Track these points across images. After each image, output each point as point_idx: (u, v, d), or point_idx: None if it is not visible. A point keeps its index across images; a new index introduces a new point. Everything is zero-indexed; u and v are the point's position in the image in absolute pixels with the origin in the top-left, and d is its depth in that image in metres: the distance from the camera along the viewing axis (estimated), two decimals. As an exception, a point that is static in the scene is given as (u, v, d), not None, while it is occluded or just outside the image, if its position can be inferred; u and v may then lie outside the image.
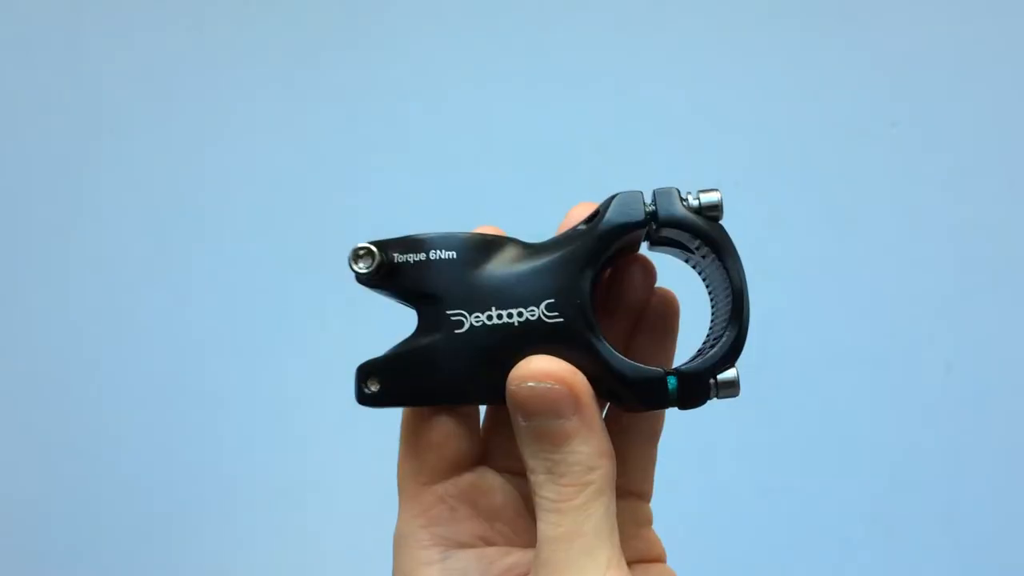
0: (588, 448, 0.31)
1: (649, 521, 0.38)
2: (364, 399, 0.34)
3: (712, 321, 0.36)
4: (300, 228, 0.82)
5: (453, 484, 0.35)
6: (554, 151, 0.82)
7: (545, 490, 0.32)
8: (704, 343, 0.36)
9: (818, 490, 0.76)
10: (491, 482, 0.36)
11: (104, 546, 0.79)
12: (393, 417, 0.36)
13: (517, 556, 0.35)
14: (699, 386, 0.32)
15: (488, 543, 0.35)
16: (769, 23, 0.85)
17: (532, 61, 0.83)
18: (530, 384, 0.31)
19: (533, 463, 0.32)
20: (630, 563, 0.34)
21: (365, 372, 0.34)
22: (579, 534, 0.31)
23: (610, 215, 0.33)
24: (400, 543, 0.35)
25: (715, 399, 0.33)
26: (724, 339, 0.33)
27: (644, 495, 0.37)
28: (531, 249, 0.34)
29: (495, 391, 0.33)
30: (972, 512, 0.76)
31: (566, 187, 0.79)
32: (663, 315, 0.36)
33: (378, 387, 0.34)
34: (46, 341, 0.83)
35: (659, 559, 0.37)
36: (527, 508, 0.35)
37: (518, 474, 0.36)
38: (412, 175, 0.82)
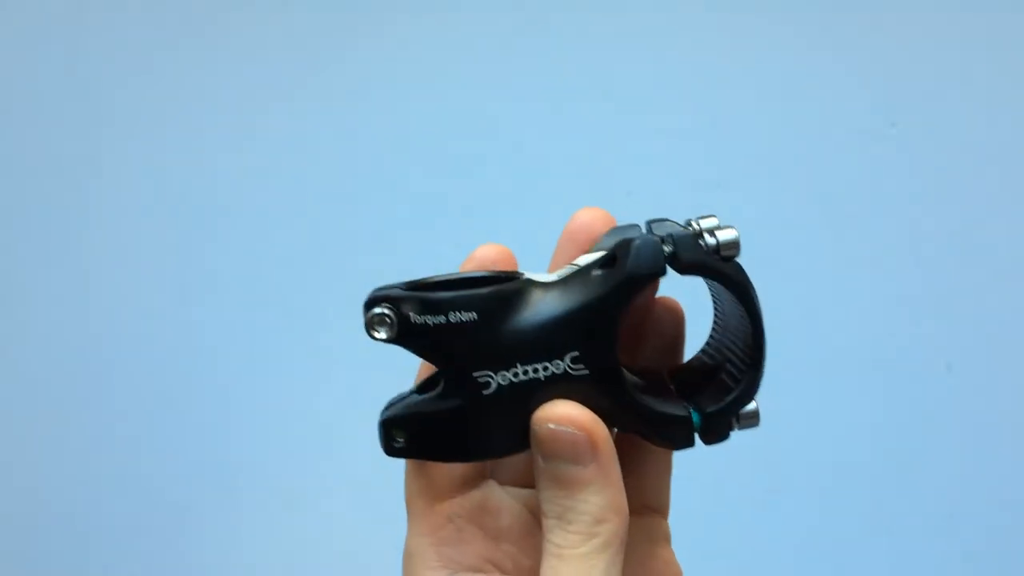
0: (600, 500, 0.31)
1: (666, 538, 0.37)
2: (393, 452, 0.34)
3: (715, 333, 0.37)
4: (301, 228, 0.82)
5: (460, 503, 0.34)
6: (553, 152, 0.82)
7: (553, 535, 0.32)
8: (707, 348, 0.37)
9: (818, 490, 0.76)
10: (498, 500, 0.36)
11: (104, 547, 0.79)
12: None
13: None
14: (723, 424, 0.34)
15: (495, 565, 0.35)
16: (769, 23, 0.85)
17: (525, 63, 0.83)
18: (551, 426, 0.32)
19: (546, 507, 0.32)
20: None
21: (390, 426, 0.34)
22: None
23: (631, 267, 0.32)
24: (408, 562, 0.35)
25: (736, 430, 0.34)
26: (746, 379, 0.34)
27: (660, 509, 0.37)
28: (548, 291, 0.33)
29: (524, 441, 0.33)
30: (972, 512, 0.76)
31: (566, 190, 0.79)
32: (671, 325, 0.36)
33: (404, 441, 0.34)
34: (46, 341, 0.83)
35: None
36: (535, 525, 0.35)
37: (525, 486, 0.36)
38: (422, 175, 0.82)
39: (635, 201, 0.76)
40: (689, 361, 0.37)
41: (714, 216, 0.34)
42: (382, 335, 0.33)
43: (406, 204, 0.81)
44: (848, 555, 0.76)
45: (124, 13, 0.87)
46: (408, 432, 0.34)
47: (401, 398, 0.35)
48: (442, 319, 0.33)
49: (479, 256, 0.35)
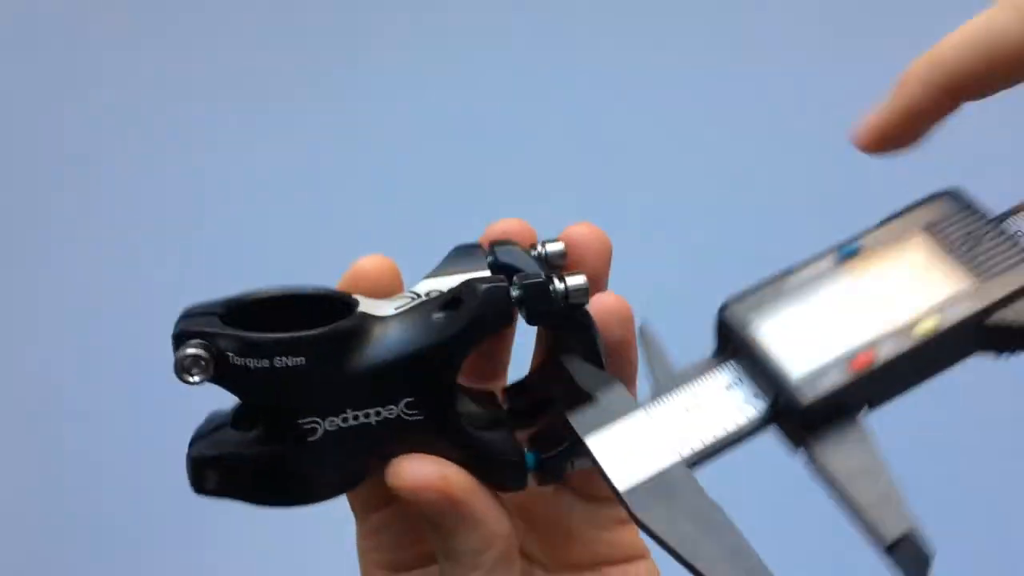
0: (475, 536, 0.31)
1: (618, 520, 0.36)
2: (203, 491, 0.31)
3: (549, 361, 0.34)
4: (294, 229, 0.82)
5: (394, 510, 0.34)
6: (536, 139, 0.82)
7: (441, 564, 0.32)
8: (541, 371, 0.34)
9: (817, 490, 0.76)
10: None
11: (104, 547, 0.79)
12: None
13: None
14: (557, 468, 0.32)
15: (433, 560, 0.34)
16: (769, 26, 0.85)
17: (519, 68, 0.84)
18: (398, 487, 0.30)
19: (431, 538, 0.32)
20: (598, 565, 0.34)
21: (200, 464, 0.31)
22: None
23: (475, 315, 0.30)
24: (359, 560, 0.35)
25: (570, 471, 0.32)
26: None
27: (637, 553, 0.36)
28: (385, 329, 0.30)
29: (353, 482, 0.32)
30: (973, 511, 0.76)
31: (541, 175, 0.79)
32: (616, 328, 0.33)
33: (216, 482, 0.31)
34: (45, 341, 0.83)
35: (638, 556, 0.36)
36: None
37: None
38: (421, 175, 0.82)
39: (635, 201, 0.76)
40: (526, 379, 0.35)
41: (561, 243, 0.32)
42: (195, 379, 0.29)
43: (408, 203, 0.81)
44: (847, 555, 0.76)
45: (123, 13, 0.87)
46: (220, 473, 0.31)
47: (212, 425, 0.32)
48: (266, 363, 0.29)
49: (360, 270, 0.33)
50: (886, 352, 0.28)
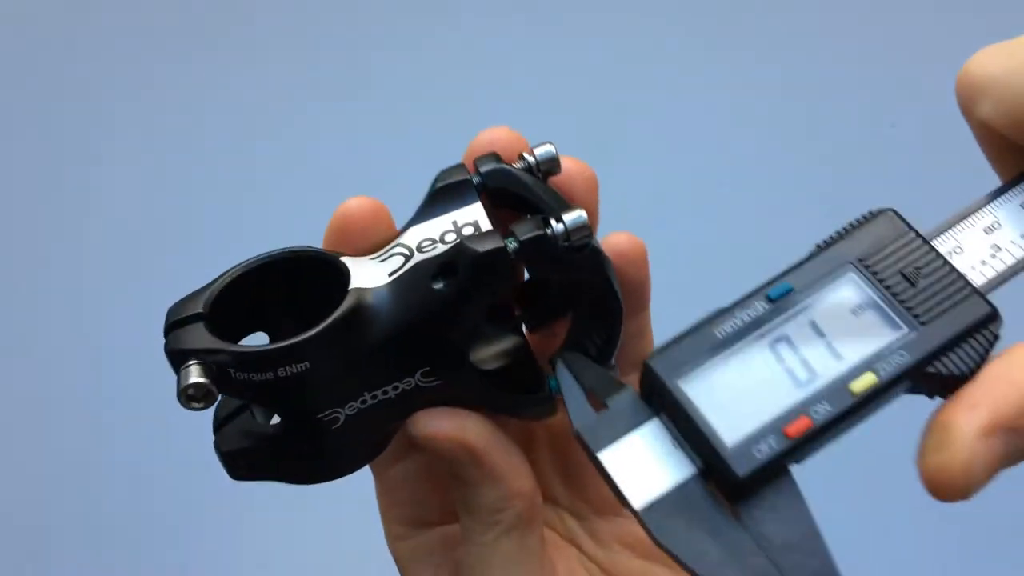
0: (495, 492, 0.30)
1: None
2: (237, 479, 0.31)
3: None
4: (292, 225, 0.82)
5: (410, 464, 0.33)
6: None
7: (462, 519, 0.31)
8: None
9: (816, 489, 0.76)
10: None
11: (104, 548, 0.79)
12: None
13: None
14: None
15: (455, 515, 0.34)
16: (769, 23, 0.85)
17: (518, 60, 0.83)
18: (419, 440, 0.30)
19: (454, 493, 0.31)
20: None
21: (232, 458, 0.30)
22: (487, 566, 0.31)
23: (474, 282, 0.28)
24: (380, 512, 0.35)
25: None
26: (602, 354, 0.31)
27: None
28: (383, 305, 0.29)
29: (382, 445, 0.31)
30: (972, 510, 0.76)
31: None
32: (632, 268, 0.32)
33: (250, 469, 0.30)
34: (46, 341, 0.83)
35: None
36: None
37: None
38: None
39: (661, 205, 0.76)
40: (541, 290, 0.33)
41: (550, 145, 0.31)
42: (200, 407, 0.28)
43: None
44: (846, 555, 0.76)
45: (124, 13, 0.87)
46: (251, 462, 0.30)
47: (233, 407, 0.31)
48: (270, 375, 0.28)
49: (347, 215, 0.31)
50: (823, 415, 0.27)
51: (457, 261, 0.28)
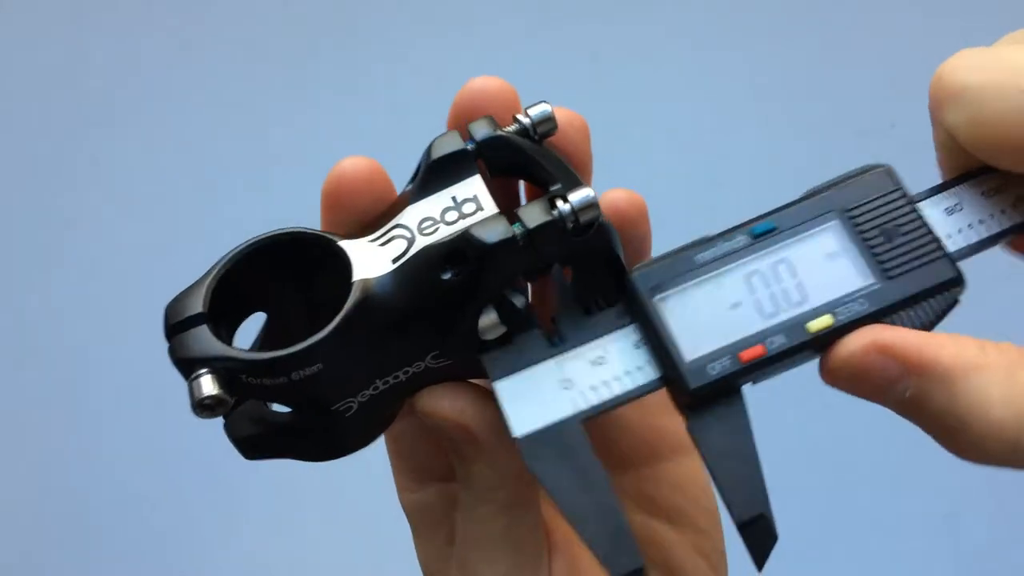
0: (490, 472, 0.31)
1: (665, 407, 0.32)
2: (251, 458, 0.31)
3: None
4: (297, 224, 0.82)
5: (413, 420, 0.33)
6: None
7: (460, 489, 0.32)
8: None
9: (818, 489, 0.76)
10: None
11: (103, 548, 0.79)
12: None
13: None
14: None
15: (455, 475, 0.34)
16: (768, 23, 0.85)
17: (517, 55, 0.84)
18: (424, 417, 0.30)
19: (453, 462, 0.32)
20: (649, 461, 0.34)
21: (243, 442, 0.30)
22: (479, 539, 0.31)
23: (485, 273, 0.28)
24: (390, 462, 0.35)
25: None
26: None
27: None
28: (389, 297, 0.28)
29: (392, 419, 0.31)
30: (972, 510, 0.76)
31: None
32: (631, 223, 0.31)
33: (263, 450, 0.30)
34: (46, 341, 0.83)
35: (690, 448, 0.33)
36: None
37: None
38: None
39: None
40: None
41: (546, 104, 0.30)
42: (213, 415, 0.28)
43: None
44: (846, 554, 0.76)
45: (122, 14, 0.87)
46: (263, 444, 0.30)
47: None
48: (283, 380, 0.28)
49: (342, 176, 0.30)
50: (776, 346, 0.29)
51: (464, 250, 0.28)
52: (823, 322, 0.29)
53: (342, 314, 0.28)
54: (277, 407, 0.31)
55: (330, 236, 0.29)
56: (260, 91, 0.88)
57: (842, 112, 0.82)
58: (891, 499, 0.76)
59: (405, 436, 0.34)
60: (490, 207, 0.29)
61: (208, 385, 0.27)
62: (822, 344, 0.29)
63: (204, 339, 0.28)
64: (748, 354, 0.29)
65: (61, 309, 0.84)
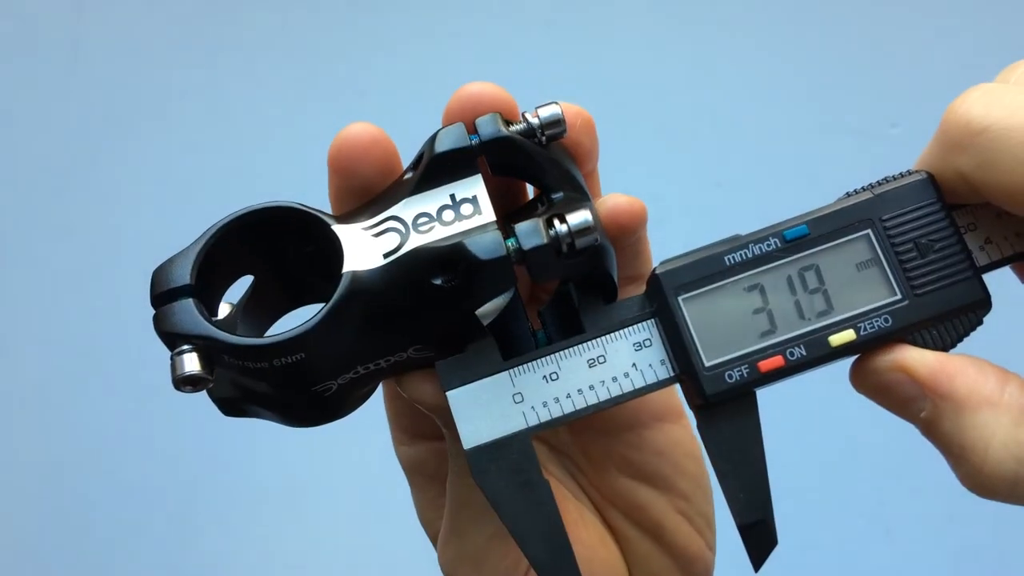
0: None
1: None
2: (231, 416, 0.31)
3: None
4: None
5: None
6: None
7: (450, 458, 0.33)
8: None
9: (818, 489, 0.76)
10: None
11: (104, 547, 0.79)
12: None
13: None
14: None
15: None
16: (768, 23, 0.85)
17: (519, 59, 0.83)
18: (409, 397, 0.31)
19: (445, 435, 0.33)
20: (633, 426, 0.35)
21: (224, 402, 0.31)
22: (463, 504, 0.33)
23: (476, 287, 0.28)
24: (388, 419, 0.37)
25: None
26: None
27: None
28: (380, 289, 0.28)
29: (370, 393, 0.32)
30: (972, 510, 0.76)
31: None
32: (629, 229, 0.31)
33: (243, 411, 0.31)
34: (48, 341, 0.83)
35: (674, 415, 0.36)
36: None
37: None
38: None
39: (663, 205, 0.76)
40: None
41: (555, 105, 0.30)
42: (193, 391, 0.28)
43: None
44: (846, 555, 0.76)
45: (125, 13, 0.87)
46: (244, 406, 0.30)
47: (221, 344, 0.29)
48: (264, 364, 0.28)
49: (350, 141, 0.30)
50: (796, 357, 0.29)
51: (456, 261, 0.28)
52: (845, 337, 0.29)
53: (330, 305, 0.28)
54: None
55: (325, 218, 0.29)
56: (260, 90, 0.88)
57: (842, 112, 0.82)
58: (891, 500, 0.76)
59: (400, 396, 0.34)
60: (488, 213, 0.29)
61: (190, 362, 0.27)
62: (843, 355, 0.29)
63: (189, 314, 0.28)
64: (767, 364, 0.29)
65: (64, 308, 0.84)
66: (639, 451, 0.35)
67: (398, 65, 0.86)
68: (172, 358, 0.28)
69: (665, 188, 0.79)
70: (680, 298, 0.29)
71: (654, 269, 0.30)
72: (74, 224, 0.85)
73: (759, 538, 0.29)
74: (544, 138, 0.30)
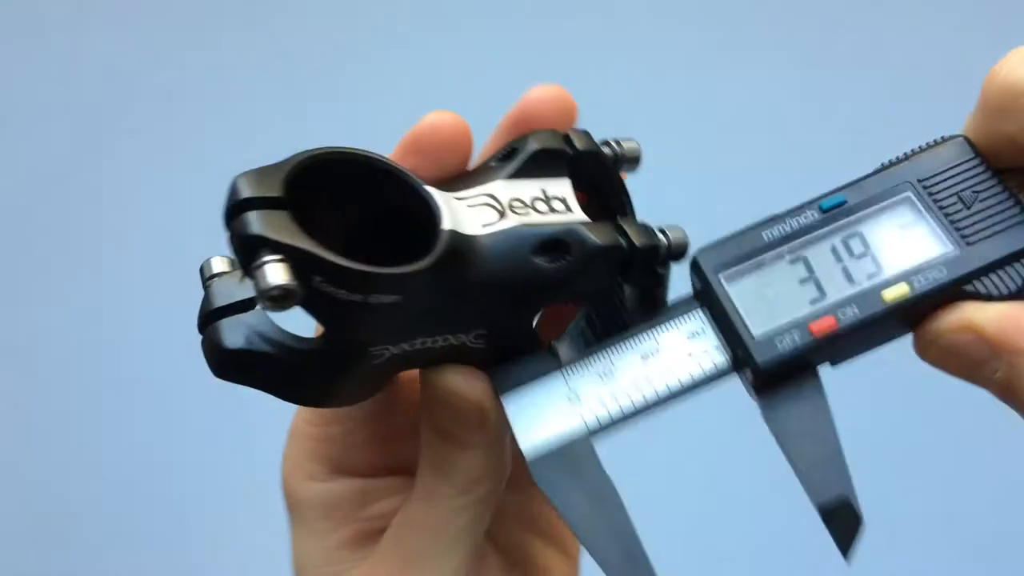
0: (481, 462, 0.30)
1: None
2: (223, 377, 0.27)
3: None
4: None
5: (370, 402, 0.32)
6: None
7: (427, 479, 0.30)
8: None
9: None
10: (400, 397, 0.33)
11: (105, 546, 0.79)
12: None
13: (393, 501, 0.32)
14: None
15: (381, 469, 0.32)
16: (768, 24, 0.85)
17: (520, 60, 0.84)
18: (440, 393, 0.29)
19: (427, 452, 0.30)
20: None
21: (231, 356, 0.27)
22: (438, 530, 0.30)
23: (583, 277, 0.28)
24: (293, 440, 0.33)
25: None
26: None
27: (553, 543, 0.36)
28: (479, 256, 0.27)
29: (382, 386, 0.30)
30: (973, 510, 0.76)
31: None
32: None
33: (242, 373, 0.27)
34: (47, 341, 0.83)
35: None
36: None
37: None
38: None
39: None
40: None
41: (635, 142, 0.31)
42: (279, 309, 0.24)
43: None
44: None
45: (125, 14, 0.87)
46: (250, 367, 0.27)
47: (234, 299, 0.27)
48: (359, 297, 0.25)
49: (433, 128, 0.29)
50: (849, 317, 0.27)
51: (569, 244, 0.28)
52: (899, 290, 0.27)
53: (434, 256, 0.26)
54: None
55: (416, 178, 0.28)
56: (259, 90, 0.88)
57: (842, 112, 0.82)
58: (892, 498, 0.76)
59: (346, 418, 0.32)
60: (579, 214, 0.29)
61: (280, 273, 0.23)
62: (902, 316, 0.27)
63: (285, 224, 0.24)
64: (819, 326, 0.27)
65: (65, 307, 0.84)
66: (540, 507, 0.35)
67: (400, 65, 0.86)
68: (254, 269, 0.24)
69: (662, 193, 0.79)
70: (722, 275, 0.29)
71: (693, 254, 0.30)
72: (73, 224, 0.85)
73: (842, 519, 0.27)
74: (619, 167, 0.31)
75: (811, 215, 0.29)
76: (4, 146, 0.87)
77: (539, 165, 0.29)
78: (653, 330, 0.29)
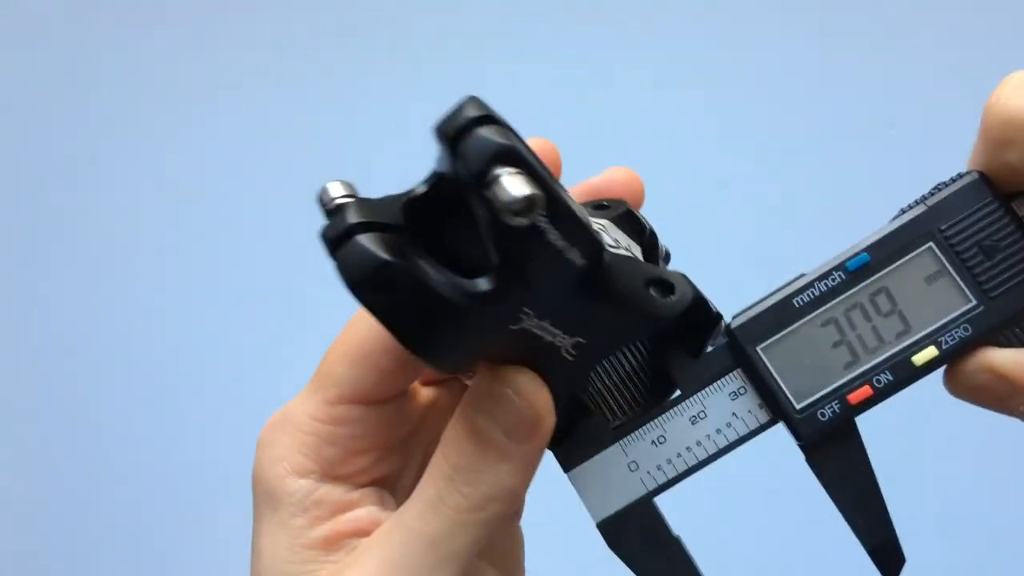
0: (507, 480, 0.29)
1: None
2: (359, 294, 0.25)
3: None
4: (295, 228, 0.82)
5: (380, 408, 0.32)
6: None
7: (437, 483, 0.29)
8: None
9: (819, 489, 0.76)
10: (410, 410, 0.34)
11: (103, 545, 0.79)
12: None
13: (371, 511, 0.32)
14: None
15: (367, 478, 0.32)
16: (767, 23, 0.85)
17: (529, 55, 0.83)
18: (508, 391, 0.29)
19: (448, 451, 0.29)
20: None
21: (381, 271, 0.24)
22: (440, 545, 0.29)
23: (684, 316, 0.29)
24: (285, 430, 0.32)
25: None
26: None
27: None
28: (612, 271, 0.28)
29: (469, 369, 0.29)
30: (972, 511, 0.76)
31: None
32: None
33: (382, 298, 0.25)
34: (48, 341, 0.83)
35: None
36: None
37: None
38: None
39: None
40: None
41: (666, 246, 0.35)
42: (531, 217, 0.22)
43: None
44: (847, 555, 0.76)
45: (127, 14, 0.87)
46: (399, 291, 0.25)
47: (390, 218, 0.26)
48: (562, 245, 0.25)
49: (610, 178, 0.34)
50: (884, 384, 0.30)
51: (675, 286, 0.29)
52: (928, 354, 0.30)
53: (613, 252, 0.29)
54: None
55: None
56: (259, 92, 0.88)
57: (842, 112, 0.82)
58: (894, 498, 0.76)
59: (352, 423, 0.31)
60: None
61: (524, 184, 0.22)
62: (931, 370, 0.30)
63: (529, 150, 0.24)
64: (856, 396, 0.30)
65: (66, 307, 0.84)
66: (500, 536, 0.35)
67: (401, 64, 0.86)
68: (492, 184, 0.22)
69: (662, 194, 0.79)
70: (759, 348, 0.31)
71: (728, 324, 0.31)
72: (73, 224, 0.85)
73: (887, 557, 0.31)
74: (650, 246, 0.34)
75: (838, 277, 0.31)
76: (4, 146, 0.87)
77: (626, 223, 0.33)
78: (699, 395, 0.31)
